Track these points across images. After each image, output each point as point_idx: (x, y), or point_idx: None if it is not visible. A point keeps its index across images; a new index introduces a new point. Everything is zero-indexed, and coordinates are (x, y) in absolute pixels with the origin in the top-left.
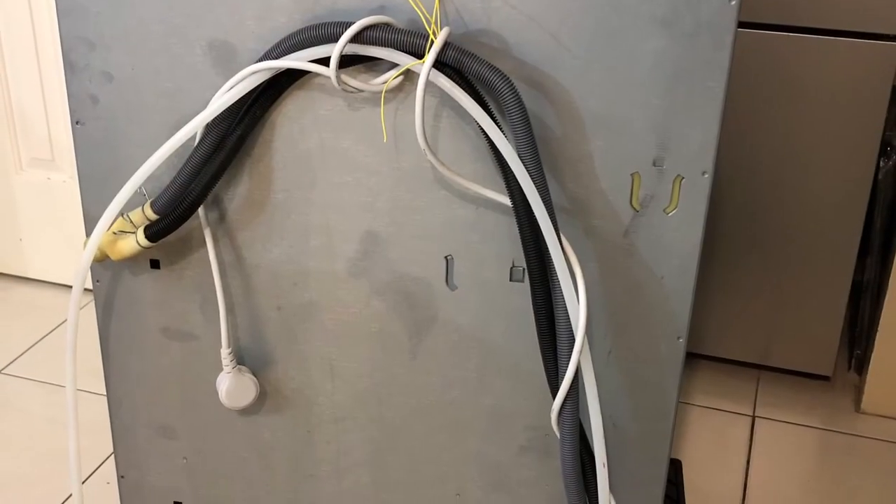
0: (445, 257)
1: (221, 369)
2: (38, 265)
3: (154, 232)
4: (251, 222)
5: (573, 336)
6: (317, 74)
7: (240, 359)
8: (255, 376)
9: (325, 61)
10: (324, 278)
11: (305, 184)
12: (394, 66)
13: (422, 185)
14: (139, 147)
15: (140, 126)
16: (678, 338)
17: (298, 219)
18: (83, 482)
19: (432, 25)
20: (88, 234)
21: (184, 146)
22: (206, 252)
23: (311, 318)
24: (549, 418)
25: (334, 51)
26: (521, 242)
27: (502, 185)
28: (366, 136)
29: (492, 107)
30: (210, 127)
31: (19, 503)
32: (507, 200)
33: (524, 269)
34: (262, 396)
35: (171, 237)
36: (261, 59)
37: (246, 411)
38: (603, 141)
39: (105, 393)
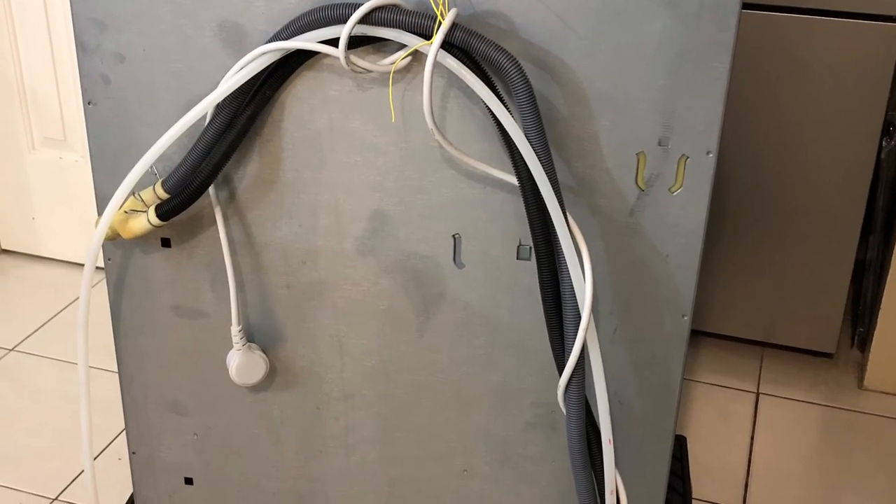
0: (453, 236)
1: (232, 347)
2: (51, 244)
3: (165, 211)
4: (261, 201)
5: (579, 314)
6: (326, 55)
7: (250, 336)
8: (265, 353)
9: (334, 42)
10: (333, 257)
11: (314, 163)
12: (402, 46)
13: (430, 164)
14: (150, 127)
15: (151, 106)
16: (683, 315)
17: (307, 198)
18: (95, 458)
19: (440, 7)
20: (100, 212)
21: (194, 126)
22: (217, 231)
23: (320, 296)
24: (556, 395)
25: (343, 32)
26: (527, 221)
27: (509, 164)
28: (374, 116)
29: (499, 87)
30: (220, 107)
31: (32, 478)
32: (513, 180)
33: (531, 248)
34: (271, 373)
35: (181, 216)
36: (270, 41)
37: (256, 388)
38: (609, 121)
39: (117, 370)
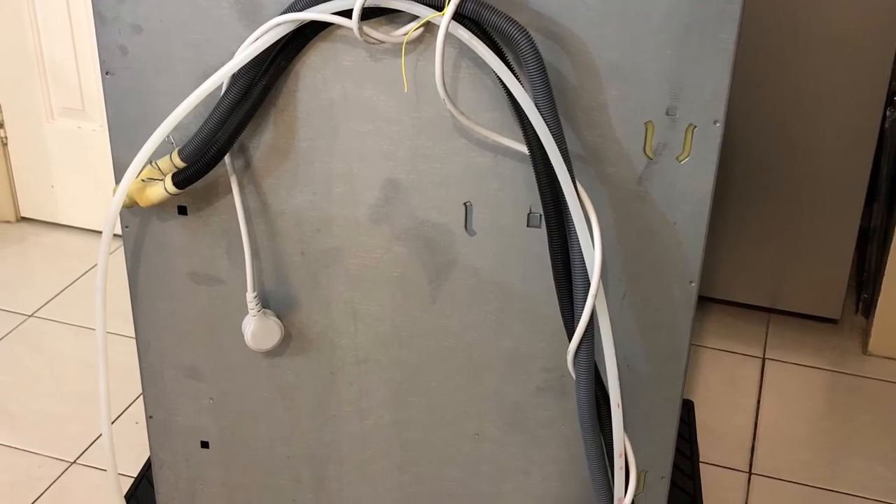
0: (464, 204)
1: (247, 313)
2: (69, 212)
3: (182, 179)
4: (276, 170)
5: (588, 280)
6: (340, 26)
7: (265, 302)
8: (280, 319)
9: (347, 13)
10: (346, 224)
11: (328, 133)
12: (414, 17)
13: (441, 133)
14: (167, 97)
15: (168, 76)
16: (690, 282)
17: (322, 166)
18: (112, 422)
19: None
20: (118, 181)
21: (210, 96)
22: (233, 199)
23: (334, 262)
24: (566, 360)
25: (357, 3)
26: (537, 189)
27: (520, 133)
28: (387, 86)
29: (509, 57)
30: (236, 77)
31: (51, 441)
32: (524, 148)
33: (541, 216)
34: (286, 339)
35: (198, 184)
36: (285, 12)
37: (270, 354)
38: (617, 90)
39: (134, 336)
